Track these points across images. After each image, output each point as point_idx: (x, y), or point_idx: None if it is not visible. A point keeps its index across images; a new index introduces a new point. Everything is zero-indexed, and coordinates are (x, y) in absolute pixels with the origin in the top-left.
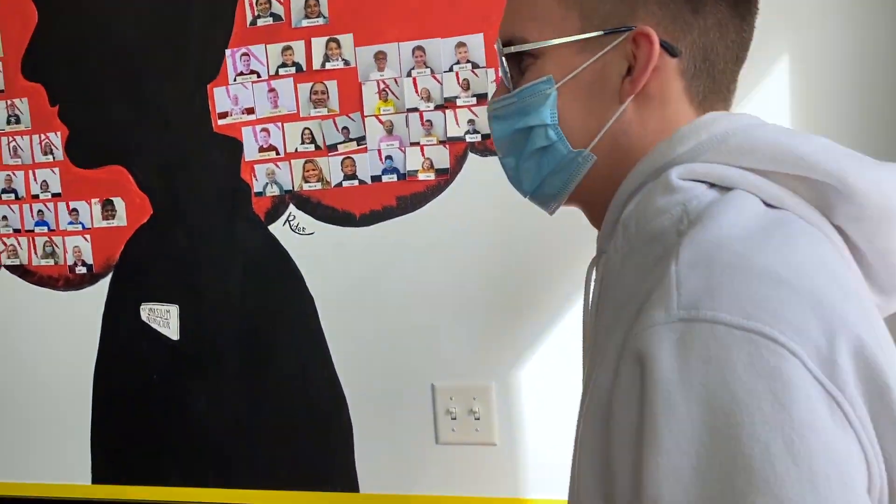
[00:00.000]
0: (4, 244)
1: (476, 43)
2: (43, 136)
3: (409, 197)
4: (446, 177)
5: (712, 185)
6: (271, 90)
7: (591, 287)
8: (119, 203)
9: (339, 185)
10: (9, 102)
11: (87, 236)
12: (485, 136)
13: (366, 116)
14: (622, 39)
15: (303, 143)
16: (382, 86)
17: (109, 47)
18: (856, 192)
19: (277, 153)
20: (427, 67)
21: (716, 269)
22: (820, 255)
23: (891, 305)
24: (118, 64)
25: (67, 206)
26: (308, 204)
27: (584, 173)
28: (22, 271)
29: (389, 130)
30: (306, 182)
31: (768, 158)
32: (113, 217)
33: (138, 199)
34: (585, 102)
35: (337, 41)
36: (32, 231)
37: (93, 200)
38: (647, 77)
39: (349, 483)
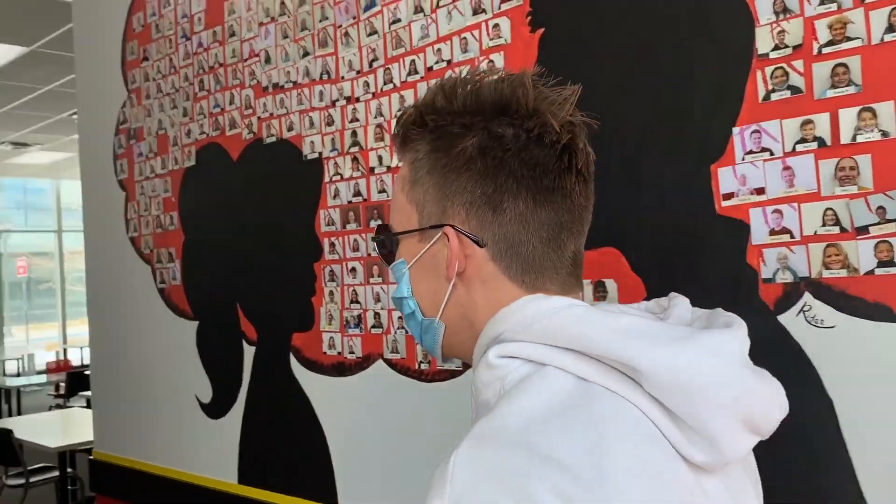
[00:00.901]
0: None
1: None
2: None
3: None
4: None
5: (529, 360)
6: (786, 168)
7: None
8: (611, 285)
9: (871, 272)
10: None
11: None
12: None
13: None
14: (438, 235)
15: (824, 224)
16: None
17: (607, 129)
18: (644, 372)
19: (792, 236)
20: None
21: (481, 462)
22: (596, 436)
23: (723, 458)
24: (616, 146)
25: None
26: (829, 293)
27: (442, 335)
28: None
29: None
30: (827, 268)
31: (569, 341)
32: (604, 298)
33: (631, 281)
34: (428, 281)
35: (872, 110)
36: None
37: (585, 281)
38: (461, 263)
39: None
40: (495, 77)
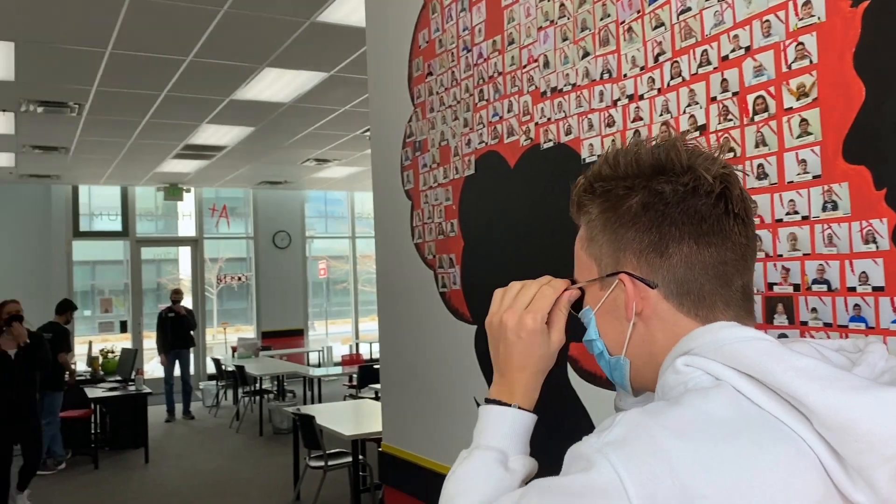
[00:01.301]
0: (811, 336)
1: None
2: (864, 223)
3: None
4: None
5: (711, 375)
6: None
7: None
8: None
9: None
10: (825, 188)
11: None
12: None
13: None
14: (616, 284)
15: None
16: None
17: None
18: (815, 410)
19: None
20: None
21: (637, 429)
22: (747, 469)
23: (879, 498)
24: None
25: (892, 302)
26: None
27: (628, 370)
28: None
29: None
30: None
31: (751, 368)
32: None
33: None
34: (611, 323)
35: None
36: (846, 326)
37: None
38: (638, 305)
39: None
40: (651, 143)
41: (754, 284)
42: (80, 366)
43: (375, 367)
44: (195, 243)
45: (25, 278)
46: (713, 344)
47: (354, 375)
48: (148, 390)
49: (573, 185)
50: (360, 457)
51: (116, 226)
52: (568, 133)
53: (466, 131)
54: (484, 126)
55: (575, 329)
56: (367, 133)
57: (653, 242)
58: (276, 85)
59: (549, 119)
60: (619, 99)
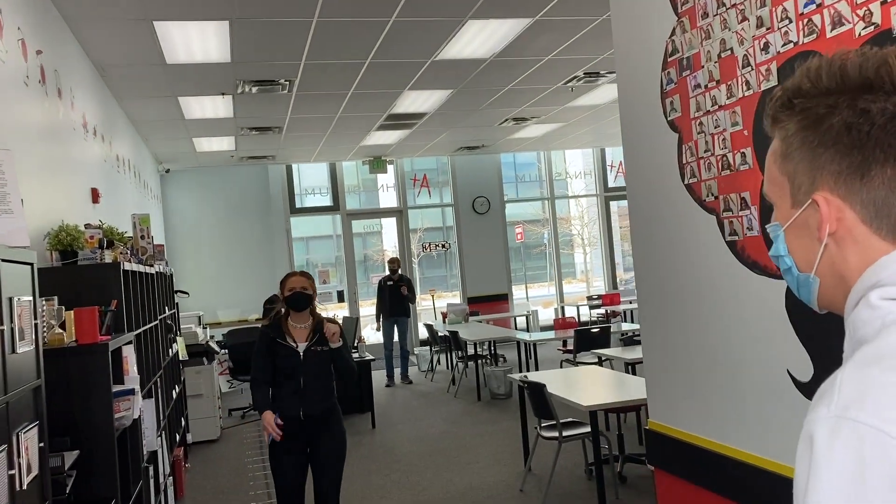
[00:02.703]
0: None
1: None
2: None
3: None
4: None
5: None
6: None
7: None
8: None
9: None
10: None
11: None
12: None
13: None
14: (809, 202)
15: None
16: None
17: None
18: None
19: None
20: None
21: (866, 380)
22: None
23: None
24: None
25: None
26: None
27: (816, 289)
28: None
29: None
30: None
31: None
32: None
33: None
34: (801, 241)
35: None
36: None
37: None
38: (831, 226)
39: None
40: (858, 58)
41: None
42: None
43: (593, 330)
44: (399, 214)
45: (251, 255)
46: None
47: (569, 340)
48: (371, 357)
49: (770, 96)
50: (599, 428)
51: (327, 201)
52: None
53: (762, 32)
54: (791, 21)
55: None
56: (570, 83)
57: (854, 164)
58: (479, 39)
59: None
60: None
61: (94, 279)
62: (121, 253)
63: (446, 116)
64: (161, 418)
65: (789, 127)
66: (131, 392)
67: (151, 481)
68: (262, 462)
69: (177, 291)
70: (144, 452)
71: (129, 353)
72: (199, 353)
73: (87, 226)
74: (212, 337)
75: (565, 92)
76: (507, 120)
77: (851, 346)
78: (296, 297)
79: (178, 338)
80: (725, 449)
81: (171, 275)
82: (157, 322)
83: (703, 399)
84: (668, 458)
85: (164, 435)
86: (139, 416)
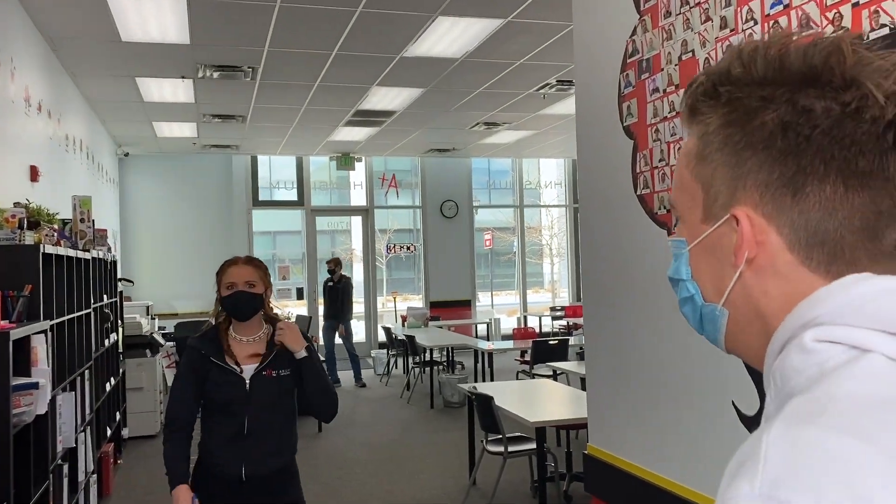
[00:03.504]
0: None
1: None
2: None
3: None
4: None
5: (854, 347)
6: None
7: None
8: None
9: None
10: None
11: None
12: None
13: None
14: (726, 217)
15: None
16: None
17: None
18: None
19: None
20: None
21: (801, 445)
22: None
23: None
24: None
25: None
26: None
27: (724, 325)
28: None
29: None
30: None
31: None
32: None
33: None
34: (710, 264)
35: None
36: None
37: None
38: (751, 250)
39: None
40: (805, 41)
41: None
42: None
43: (551, 342)
44: (366, 213)
45: (209, 246)
46: (850, 305)
47: (528, 351)
48: (323, 358)
49: (690, 83)
50: (545, 445)
51: (292, 196)
52: None
53: (726, 34)
54: (756, 22)
55: None
56: (542, 90)
57: (786, 175)
58: (449, 36)
59: None
60: None
61: (11, 262)
62: (46, 235)
63: (416, 116)
64: (86, 413)
65: (711, 121)
66: (34, 386)
67: (66, 480)
68: None
69: (120, 279)
70: (59, 449)
71: (40, 344)
72: (143, 344)
73: (16, 204)
74: (162, 328)
75: (538, 99)
76: (478, 124)
77: (778, 401)
78: (237, 298)
79: (118, 328)
80: (667, 483)
81: (114, 261)
82: (89, 311)
83: (645, 426)
84: (607, 487)
85: (88, 430)
86: (47, 411)
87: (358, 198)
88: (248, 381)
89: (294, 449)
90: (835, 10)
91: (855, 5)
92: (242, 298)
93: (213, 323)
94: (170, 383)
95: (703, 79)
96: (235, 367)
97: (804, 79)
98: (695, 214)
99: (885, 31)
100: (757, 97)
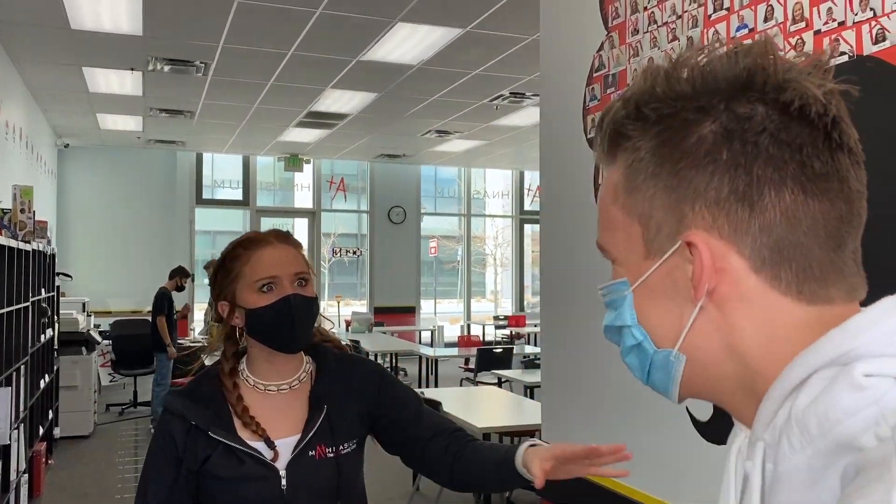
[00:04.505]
0: None
1: None
2: None
3: None
4: None
5: None
6: None
7: (735, 473)
8: None
9: None
10: None
11: None
12: None
13: None
14: (677, 246)
15: None
16: None
17: None
18: None
19: None
20: None
21: None
22: None
23: None
24: None
25: None
26: None
27: (680, 372)
28: None
29: None
30: None
31: None
32: None
33: None
34: (660, 305)
35: None
36: None
37: None
38: (712, 279)
39: None
40: (725, 50)
41: None
42: (198, 334)
43: (496, 350)
44: (312, 216)
45: (149, 244)
46: (889, 336)
47: (472, 358)
48: None
49: (601, 114)
50: None
51: (237, 195)
52: (881, 40)
53: (690, 54)
54: (722, 45)
55: None
56: (496, 101)
57: (738, 189)
58: (408, 43)
59: (841, 23)
60: None
61: None
62: None
63: (369, 120)
64: (20, 409)
65: (641, 145)
66: None
67: None
68: (135, 463)
69: (59, 273)
70: None
71: None
72: (79, 341)
73: None
74: (97, 326)
75: (490, 109)
76: (430, 131)
77: (827, 449)
78: (293, 307)
79: (55, 324)
80: (623, 488)
81: (53, 255)
82: (27, 304)
83: (601, 431)
84: (563, 493)
85: (21, 428)
86: None
87: (303, 200)
88: (283, 473)
89: None
90: (797, 37)
91: (817, 32)
92: (301, 307)
93: (203, 358)
94: (104, 383)
95: (621, 104)
96: (259, 444)
97: (738, 85)
98: (634, 253)
99: (845, 58)
100: (692, 109)
